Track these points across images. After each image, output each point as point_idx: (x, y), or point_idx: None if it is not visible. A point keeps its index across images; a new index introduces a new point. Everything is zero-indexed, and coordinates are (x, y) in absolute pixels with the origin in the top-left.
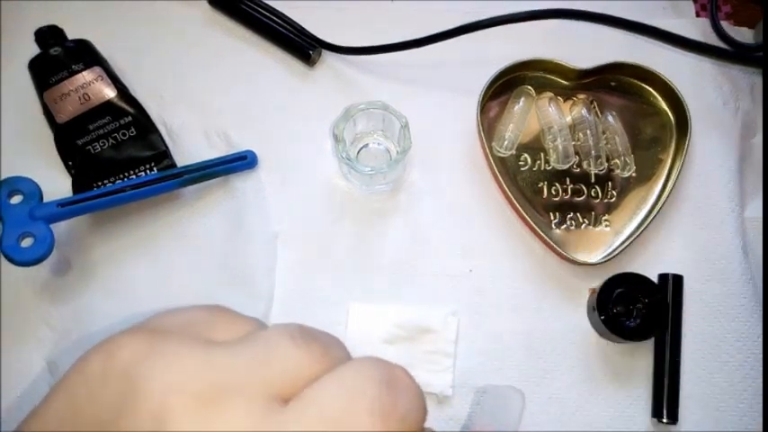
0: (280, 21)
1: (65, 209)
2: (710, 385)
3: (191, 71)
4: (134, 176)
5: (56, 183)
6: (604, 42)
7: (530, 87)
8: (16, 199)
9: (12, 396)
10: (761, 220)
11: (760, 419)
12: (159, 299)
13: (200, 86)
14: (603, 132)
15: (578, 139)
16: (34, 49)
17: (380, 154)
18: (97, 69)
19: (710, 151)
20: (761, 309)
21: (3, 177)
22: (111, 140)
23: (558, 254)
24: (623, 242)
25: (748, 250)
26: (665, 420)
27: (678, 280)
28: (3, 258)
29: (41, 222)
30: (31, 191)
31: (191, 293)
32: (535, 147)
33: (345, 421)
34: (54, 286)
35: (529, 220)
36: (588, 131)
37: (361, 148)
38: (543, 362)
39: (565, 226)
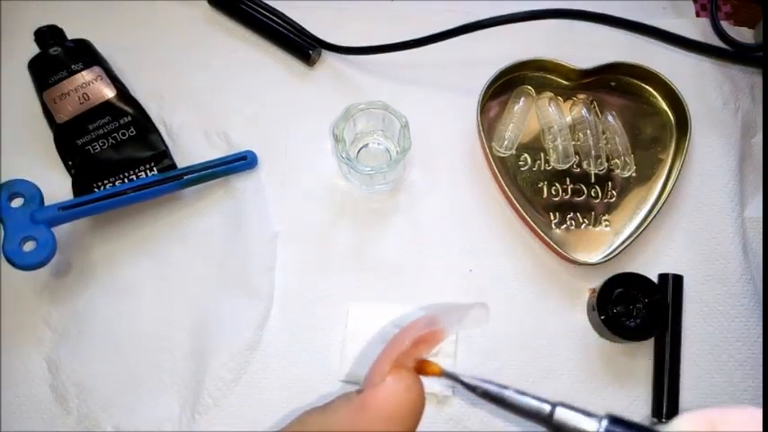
0: (280, 21)
1: (66, 212)
2: (710, 385)
3: (191, 71)
4: (134, 176)
5: (56, 183)
6: (604, 42)
7: (530, 87)
8: (17, 202)
9: (12, 396)
10: (761, 220)
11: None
12: (159, 299)
13: (200, 86)
14: (603, 132)
15: (578, 139)
16: (34, 49)
17: (380, 154)
18: (97, 69)
19: (710, 151)
20: (761, 309)
21: (3, 178)
22: (110, 140)
23: (558, 254)
24: (623, 242)
25: (748, 250)
26: (664, 420)
27: (678, 280)
28: (3, 259)
29: (43, 226)
30: (32, 194)
31: (191, 293)
32: (535, 147)
33: None
34: (54, 286)
35: (529, 220)
36: (588, 131)
37: (361, 148)
38: (543, 362)
39: (565, 226)
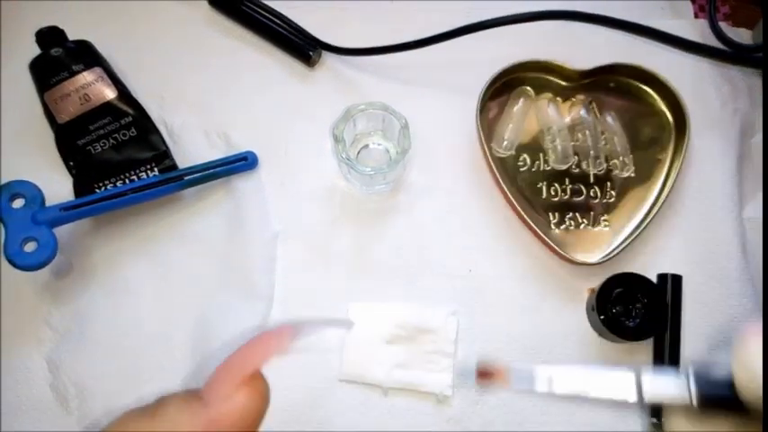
0: (280, 21)
1: (67, 213)
2: None
3: (191, 71)
4: (135, 177)
5: (57, 183)
6: (603, 43)
7: (529, 88)
8: (18, 203)
9: (12, 396)
10: (760, 220)
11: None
12: (160, 299)
13: (200, 87)
14: (602, 133)
15: (577, 140)
16: (35, 50)
17: (380, 154)
18: (97, 70)
19: (709, 152)
20: (760, 309)
21: (4, 178)
22: (111, 141)
23: (558, 254)
24: (622, 242)
25: (748, 250)
26: (664, 421)
27: (677, 280)
28: (3, 259)
29: (44, 227)
30: (33, 195)
31: (191, 294)
32: (534, 147)
33: None
34: (55, 287)
35: (528, 220)
36: (587, 132)
37: (361, 149)
38: (543, 362)
39: (564, 226)
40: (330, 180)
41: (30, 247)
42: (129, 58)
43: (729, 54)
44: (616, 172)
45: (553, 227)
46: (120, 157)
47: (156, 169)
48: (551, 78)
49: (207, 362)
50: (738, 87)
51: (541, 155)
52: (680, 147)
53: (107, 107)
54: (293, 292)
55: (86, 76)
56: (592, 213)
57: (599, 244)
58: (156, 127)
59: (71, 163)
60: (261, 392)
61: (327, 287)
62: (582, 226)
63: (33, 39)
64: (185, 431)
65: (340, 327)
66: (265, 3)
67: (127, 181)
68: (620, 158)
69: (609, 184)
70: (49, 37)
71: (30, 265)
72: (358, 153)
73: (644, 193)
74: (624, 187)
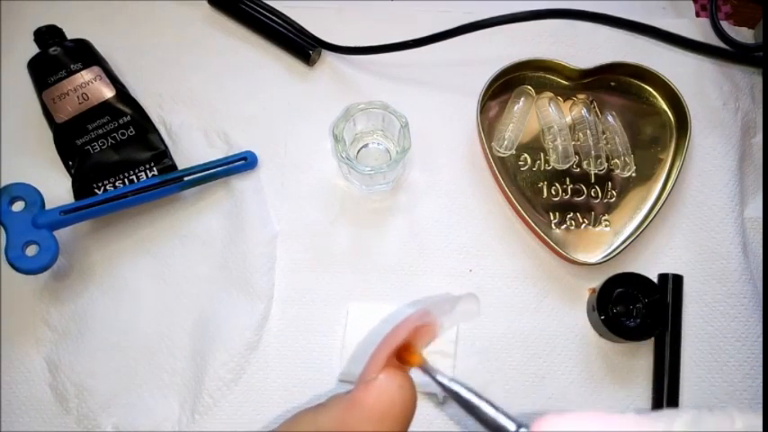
0: (280, 21)
1: (68, 216)
2: (710, 385)
3: (191, 71)
4: (134, 177)
5: (56, 182)
6: (604, 42)
7: (530, 87)
8: (18, 206)
9: (12, 396)
10: (761, 220)
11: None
12: (159, 299)
13: (199, 86)
14: (603, 132)
15: (578, 139)
16: (33, 49)
17: (380, 154)
18: (96, 69)
19: (710, 151)
20: (761, 309)
21: (2, 177)
22: (110, 140)
23: (558, 254)
24: (623, 242)
25: (748, 250)
26: None
27: (678, 280)
28: (3, 260)
29: (45, 230)
30: (33, 198)
31: (191, 293)
32: (535, 147)
33: None
34: (54, 287)
35: (529, 220)
36: (588, 131)
37: (361, 148)
38: (543, 362)
39: (565, 226)
40: (330, 180)
41: (31, 250)
42: (128, 57)
43: (731, 53)
44: (617, 171)
45: (554, 227)
46: (118, 157)
47: (154, 169)
48: (552, 77)
49: (206, 362)
50: (740, 86)
51: (542, 154)
52: (681, 146)
53: (105, 106)
54: (293, 292)
55: (84, 75)
56: (592, 213)
57: (600, 244)
58: (155, 126)
59: (70, 163)
60: (402, 381)
61: (327, 287)
62: (583, 226)
63: (32, 37)
64: (335, 417)
65: (466, 303)
66: (265, 2)
67: (126, 181)
68: (621, 158)
69: (610, 183)
70: (48, 36)
71: (32, 268)
72: (358, 152)
73: (645, 192)
74: (625, 187)
